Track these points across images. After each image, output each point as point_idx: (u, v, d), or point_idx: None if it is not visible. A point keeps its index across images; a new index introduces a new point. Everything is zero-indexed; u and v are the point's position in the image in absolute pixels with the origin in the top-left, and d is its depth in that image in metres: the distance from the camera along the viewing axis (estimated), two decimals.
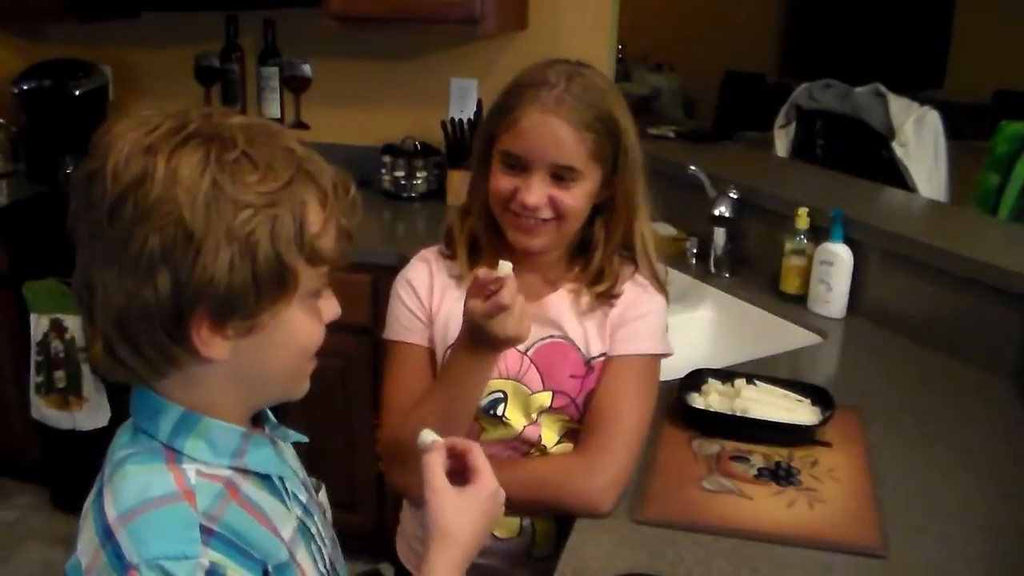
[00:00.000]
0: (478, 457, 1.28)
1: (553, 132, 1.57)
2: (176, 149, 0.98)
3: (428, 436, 1.28)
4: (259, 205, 0.98)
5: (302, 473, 1.28)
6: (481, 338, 1.46)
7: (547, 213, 1.61)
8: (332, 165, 1.10)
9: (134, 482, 1.03)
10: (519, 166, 1.61)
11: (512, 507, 1.70)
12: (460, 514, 1.23)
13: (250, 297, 1.00)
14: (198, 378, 1.06)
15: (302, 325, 1.08)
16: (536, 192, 1.59)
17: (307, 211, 1.02)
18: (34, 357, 3.45)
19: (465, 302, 1.47)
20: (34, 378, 3.48)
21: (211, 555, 0.99)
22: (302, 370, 1.14)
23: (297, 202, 1.01)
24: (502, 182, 1.63)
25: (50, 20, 4.01)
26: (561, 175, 1.59)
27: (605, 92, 1.63)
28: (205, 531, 1.00)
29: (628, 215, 1.67)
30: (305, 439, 1.25)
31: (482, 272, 1.45)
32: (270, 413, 1.22)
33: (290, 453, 1.26)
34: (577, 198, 1.61)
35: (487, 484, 1.27)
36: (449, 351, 1.65)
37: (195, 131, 1.00)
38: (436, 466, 1.25)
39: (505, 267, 1.42)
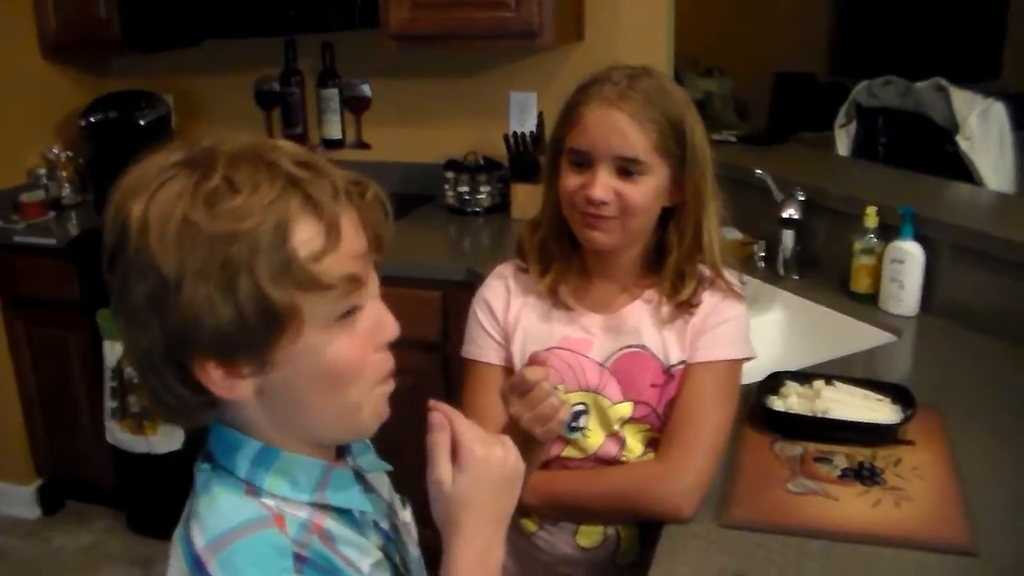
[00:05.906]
0: (458, 429, 1.14)
1: (616, 124, 1.58)
2: (157, 189, 0.94)
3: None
4: (233, 233, 0.91)
5: (387, 493, 1.24)
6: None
7: (613, 210, 1.61)
8: (358, 174, 1.03)
9: (220, 506, 1.00)
10: (585, 162, 1.62)
11: (595, 516, 1.73)
12: (459, 500, 1.11)
13: (244, 333, 0.93)
14: (247, 420, 1.02)
15: (329, 353, 0.99)
16: (601, 185, 1.59)
17: (294, 232, 0.93)
18: (108, 383, 3.51)
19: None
20: (108, 403, 3.53)
21: None
22: (353, 400, 1.04)
23: (279, 222, 0.92)
24: (570, 180, 1.64)
25: (115, 54, 4.09)
26: (627, 168, 1.59)
27: (669, 90, 1.64)
28: (298, 559, 0.97)
29: (697, 212, 1.66)
30: (389, 468, 1.22)
31: (515, 376, 1.48)
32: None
33: (376, 474, 1.23)
34: (643, 193, 1.61)
35: (471, 455, 1.12)
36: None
37: (181, 163, 0.95)
38: (438, 449, 1.13)
39: (535, 371, 1.43)
